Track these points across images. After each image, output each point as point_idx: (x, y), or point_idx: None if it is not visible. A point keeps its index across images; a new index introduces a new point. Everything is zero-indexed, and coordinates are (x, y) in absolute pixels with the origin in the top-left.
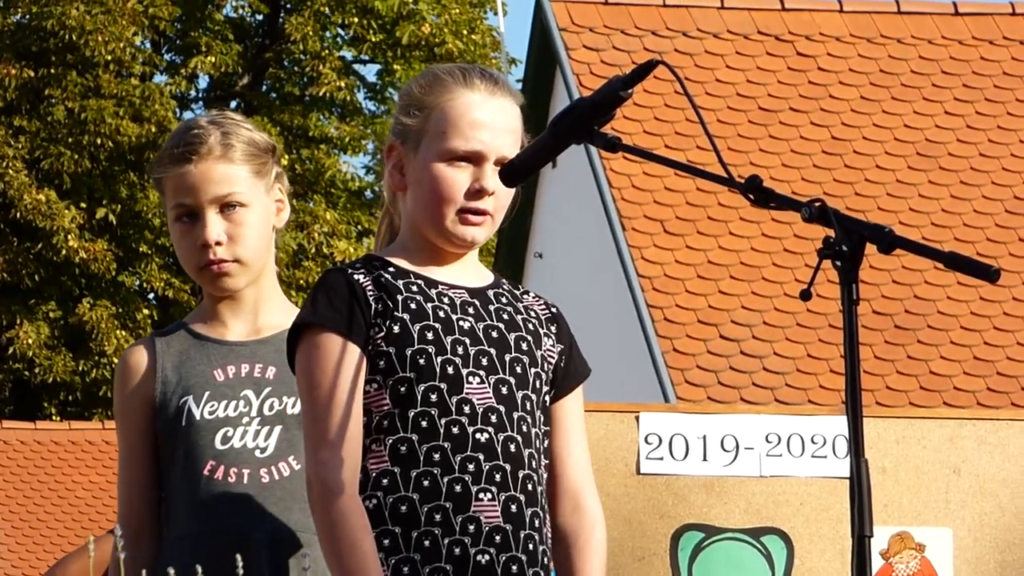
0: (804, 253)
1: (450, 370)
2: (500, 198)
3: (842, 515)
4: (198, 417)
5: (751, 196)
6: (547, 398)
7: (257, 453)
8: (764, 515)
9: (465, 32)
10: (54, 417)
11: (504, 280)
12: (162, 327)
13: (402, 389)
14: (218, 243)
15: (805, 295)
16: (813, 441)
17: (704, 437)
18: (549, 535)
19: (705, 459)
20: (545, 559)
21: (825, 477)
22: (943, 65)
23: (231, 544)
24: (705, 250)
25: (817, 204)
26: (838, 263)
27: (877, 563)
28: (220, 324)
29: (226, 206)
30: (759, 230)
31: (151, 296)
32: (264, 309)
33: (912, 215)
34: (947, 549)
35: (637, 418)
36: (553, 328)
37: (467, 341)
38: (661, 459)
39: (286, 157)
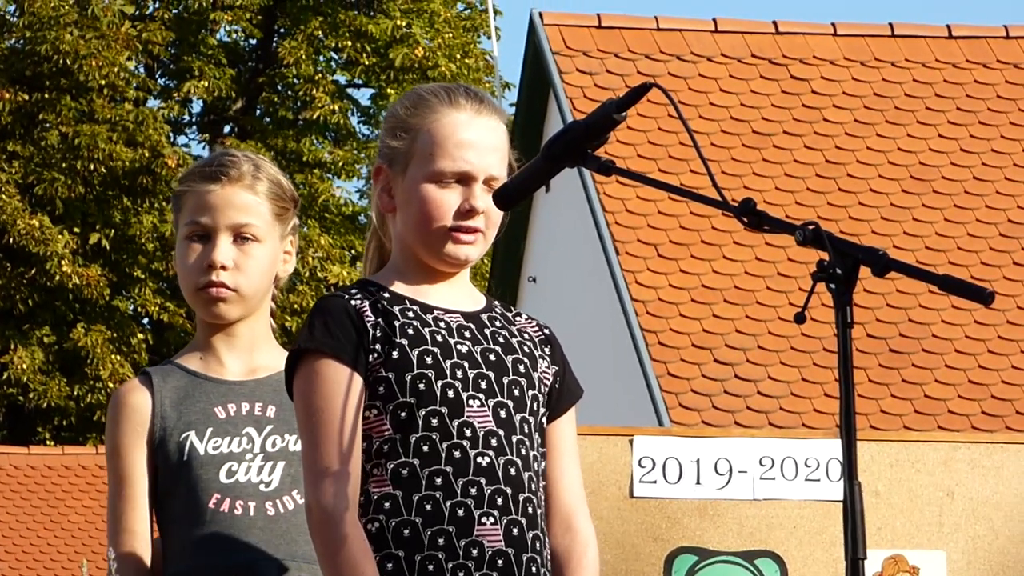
0: (798, 277)
1: (450, 394)
2: (490, 216)
3: (836, 538)
4: (202, 452)
5: (745, 219)
6: (544, 420)
7: (262, 487)
8: (758, 538)
9: (459, 56)
10: (48, 442)
11: (497, 303)
12: (157, 351)
13: (403, 414)
14: (223, 267)
15: (799, 318)
16: (807, 464)
17: (698, 460)
18: (549, 558)
19: (699, 482)
20: None
21: (819, 500)
22: (937, 88)
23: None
24: (699, 274)
25: (811, 227)
26: (832, 286)
27: None
28: (216, 362)
29: (240, 236)
30: (753, 254)
31: (145, 321)
32: (259, 349)
33: (906, 239)
34: (941, 572)
35: (631, 441)
36: (547, 350)
37: (466, 365)
38: (655, 482)
39: None
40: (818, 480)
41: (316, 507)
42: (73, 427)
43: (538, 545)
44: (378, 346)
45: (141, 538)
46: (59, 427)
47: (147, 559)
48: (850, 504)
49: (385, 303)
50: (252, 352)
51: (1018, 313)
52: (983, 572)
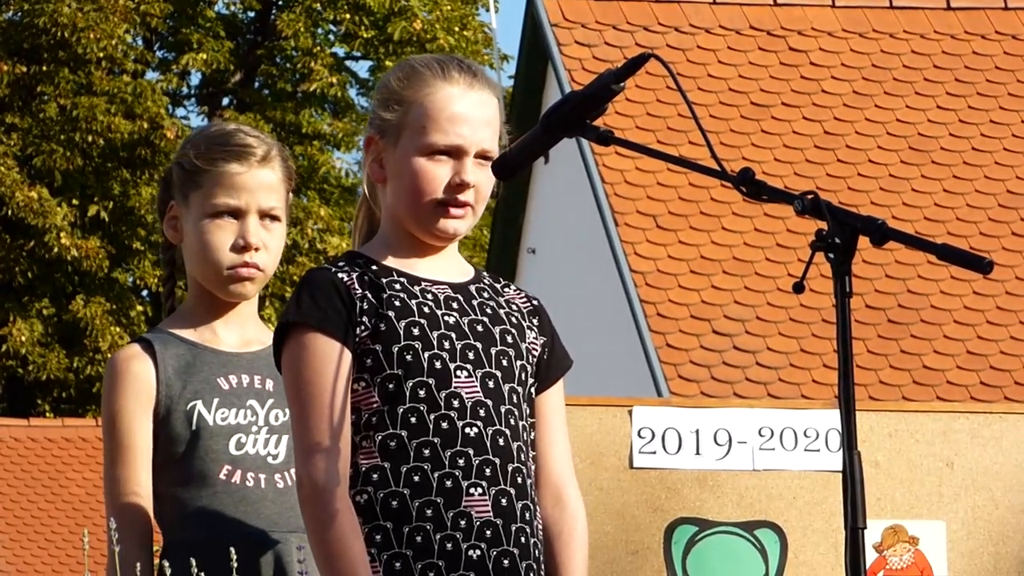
0: (797, 248)
1: (438, 365)
2: (480, 190)
3: (835, 508)
4: (211, 423)
5: (744, 189)
6: (532, 390)
7: (270, 460)
8: (757, 509)
9: (457, 28)
10: (48, 414)
11: (485, 274)
12: (156, 323)
13: (390, 386)
14: (257, 248)
15: (798, 287)
16: (806, 435)
17: (697, 431)
18: (540, 527)
19: (698, 453)
20: (536, 551)
21: (818, 471)
22: (935, 60)
23: (256, 546)
24: (698, 245)
25: (809, 196)
26: (831, 255)
27: (871, 556)
28: (211, 333)
29: (267, 216)
30: (752, 225)
31: (144, 293)
32: (251, 322)
33: (905, 209)
34: (941, 542)
35: (630, 412)
36: (535, 320)
37: (453, 336)
38: (654, 453)
39: None
40: (817, 451)
41: (307, 482)
42: (73, 399)
43: (527, 515)
44: (365, 318)
45: (144, 500)
46: (59, 399)
47: (149, 520)
48: (849, 474)
49: (372, 275)
50: (245, 326)
51: (1017, 283)
52: (983, 542)
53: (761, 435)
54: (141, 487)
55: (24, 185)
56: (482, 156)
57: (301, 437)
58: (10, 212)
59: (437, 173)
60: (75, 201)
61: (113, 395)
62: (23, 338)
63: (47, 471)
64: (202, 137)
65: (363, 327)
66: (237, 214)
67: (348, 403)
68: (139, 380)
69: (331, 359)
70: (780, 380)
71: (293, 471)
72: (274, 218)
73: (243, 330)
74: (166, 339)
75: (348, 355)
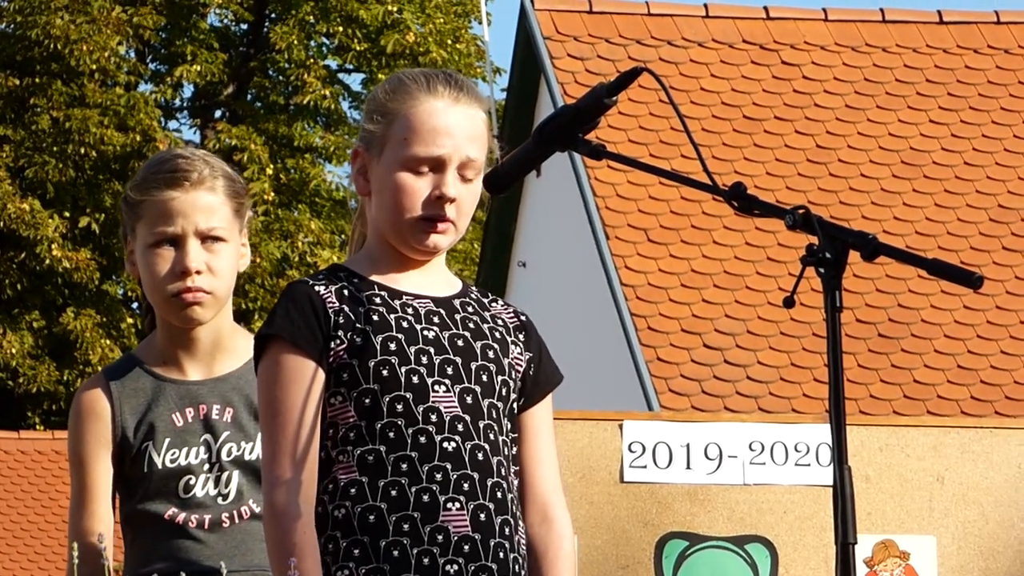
0: (788, 262)
1: (415, 380)
2: (463, 205)
3: (826, 523)
4: (159, 465)
5: (735, 203)
6: (515, 406)
7: (219, 500)
8: (748, 523)
9: (449, 41)
10: (38, 427)
11: (473, 288)
12: (146, 336)
13: (367, 401)
14: (198, 272)
15: (788, 302)
16: (796, 449)
17: (688, 445)
18: (523, 542)
19: (689, 467)
20: (517, 567)
21: (808, 485)
22: (928, 74)
23: None
24: (689, 259)
25: (800, 211)
26: (821, 270)
27: (861, 571)
28: (176, 365)
29: (208, 238)
30: (743, 239)
31: (135, 305)
32: (221, 345)
33: (896, 223)
34: (931, 557)
35: (621, 426)
36: (521, 336)
37: (431, 351)
38: (645, 467)
39: (271, 166)
40: (808, 465)
41: (268, 506)
42: (63, 412)
43: (507, 530)
44: (341, 332)
45: (101, 540)
46: (49, 412)
47: (100, 562)
48: (840, 489)
49: (353, 288)
50: (214, 352)
51: (1007, 298)
52: (973, 557)
53: (752, 449)
54: (100, 525)
55: (16, 197)
56: (464, 170)
57: (269, 458)
58: (1, 224)
59: (418, 187)
60: (67, 213)
61: (75, 435)
62: (13, 350)
63: (37, 483)
64: (143, 168)
65: (338, 341)
66: (175, 240)
67: (316, 419)
68: (99, 420)
69: (300, 375)
70: (771, 394)
71: (244, 508)
72: (217, 239)
73: (211, 357)
74: (132, 373)
75: (319, 371)
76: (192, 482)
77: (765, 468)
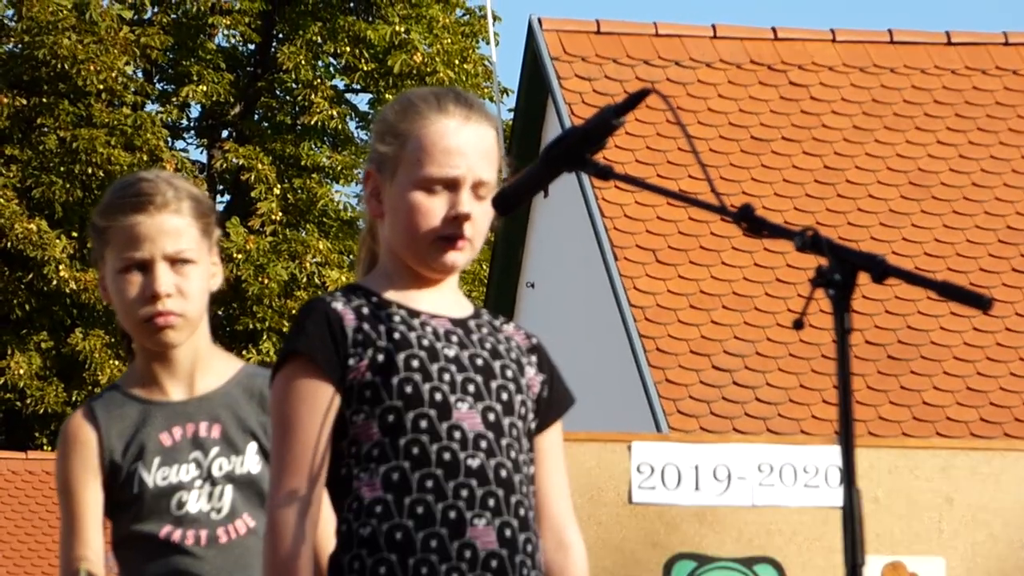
0: (797, 283)
1: (438, 397)
2: (478, 223)
3: (835, 544)
4: (151, 485)
5: (743, 225)
6: (532, 425)
7: (213, 515)
8: (756, 544)
9: (457, 62)
10: (45, 447)
11: (484, 310)
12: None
13: (390, 418)
14: (168, 295)
15: (798, 324)
16: (805, 471)
17: (696, 467)
18: (542, 561)
19: (697, 489)
20: None
21: (818, 507)
22: (936, 95)
23: None
24: (698, 280)
25: (810, 233)
26: (831, 292)
27: None
28: (158, 385)
29: (177, 261)
30: (752, 260)
31: None
32: (200, 367)
33: (905, 245)
34: None
35: (629, 447)
36: (534, 358)
37: (453, 368)
38: (653, 488)
39: (279, 186)
40: (817, 487)
41: (270, 523)
42: None
43: (529, 547)
44: (360, 349)
45: (93, 566)
46: (56, 433)
47: None
48: (849, 510)
49: (372, 307)
50: (193, 373)
51: (1017, 320)
52: None
53: (761, 471)
54: (89, 552)
55: (23, 217)
56: (478, 188)
57: (275, 473)
58: (9, 244)
59: (433, 206)
60: (74, 233)
61: (62, 465)
62: (21, 371)
63: (44, 504)
64: (107, 193)
65: (357, 358)
66: (144, 265)
67: (327, 439)
68: (85, 447)
69: (314, 393)
70: (780, 416)
71: (239, 522)
72: (186, 261)
73: (190, 377)
74: (116, 401)
75: (333, 390)
76: (184, 498)
77: (774, 489)
